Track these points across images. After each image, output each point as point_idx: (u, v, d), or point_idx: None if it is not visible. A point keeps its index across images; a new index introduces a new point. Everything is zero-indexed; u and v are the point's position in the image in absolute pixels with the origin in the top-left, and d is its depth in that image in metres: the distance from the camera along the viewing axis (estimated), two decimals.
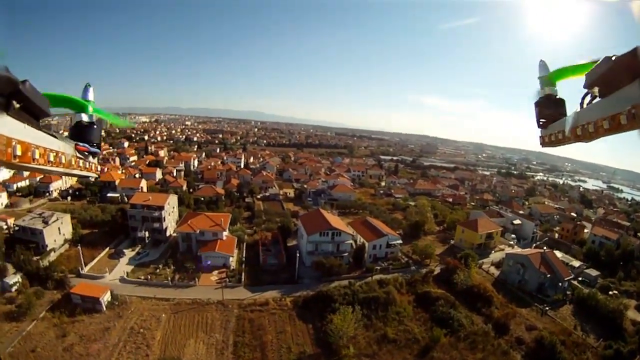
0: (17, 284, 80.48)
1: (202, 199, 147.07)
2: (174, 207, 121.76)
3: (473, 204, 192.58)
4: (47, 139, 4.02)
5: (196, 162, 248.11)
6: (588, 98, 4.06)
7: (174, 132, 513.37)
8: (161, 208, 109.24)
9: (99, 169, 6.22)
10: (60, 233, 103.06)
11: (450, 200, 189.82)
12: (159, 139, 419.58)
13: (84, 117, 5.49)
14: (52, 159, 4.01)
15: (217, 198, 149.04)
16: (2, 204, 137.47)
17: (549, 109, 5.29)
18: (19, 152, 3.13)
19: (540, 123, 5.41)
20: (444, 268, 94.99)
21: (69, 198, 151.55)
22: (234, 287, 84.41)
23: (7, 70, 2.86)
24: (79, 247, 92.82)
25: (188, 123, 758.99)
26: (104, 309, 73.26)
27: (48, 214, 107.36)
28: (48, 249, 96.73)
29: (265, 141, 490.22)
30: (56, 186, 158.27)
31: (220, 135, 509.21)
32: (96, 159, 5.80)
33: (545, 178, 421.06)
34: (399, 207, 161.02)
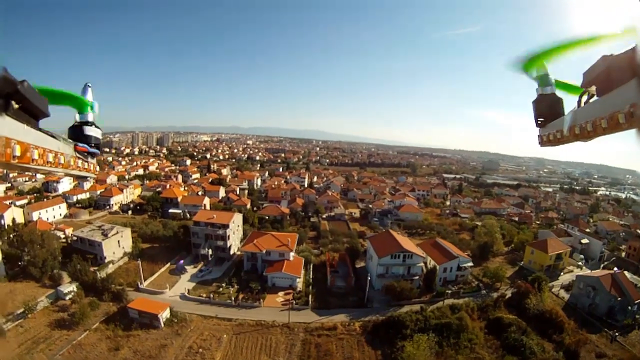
0: (72, 294, 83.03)
1: (267, 217, 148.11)
2: (238, 226, 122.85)
3: (538, 222, 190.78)
4: (46, 139, 4.08)
5: (259, 181, 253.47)
6: (585, 97, 4.20)
7: (235, 151, 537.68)
8: (226, 226, 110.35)
9: (98, 169, 6.26)
10: (119, 246, 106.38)
11: (516, 219, 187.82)
12: (221, 157, 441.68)
13: (85, 117, 5.46)
14: (51, 159, 4.07)
15: (282, 217, 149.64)
16: (61, 214, 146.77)
17: (546, 107, 5.29)
18: (18, 153, 3.23)
19: (539, 122, 5.44)
20: (515, 292, 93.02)
21: (130, 212, 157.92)
22: (301, 310, 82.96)
23: (6, 71, 3.00)
24: (139, 261, 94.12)
25: (250, 142, 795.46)
26: (162, 325, 72.83)
27: (108, 226, 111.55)
28: (106, 261, 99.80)
29: (327, 160, 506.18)
30: (117, 200, 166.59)
31: (283, 155, 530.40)
32: (95, 159, 5.82)
33: (607, 193, 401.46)
34: (466, 228, 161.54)
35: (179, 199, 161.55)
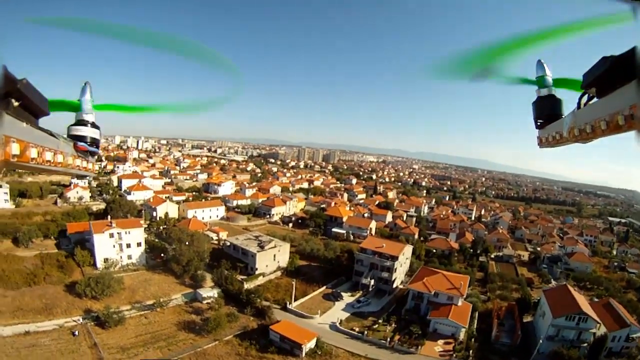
0: (211, 299, 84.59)
1: (434, 250, 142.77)
2: (407, 258, 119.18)
3: None
4: (45, 137, 4.20)
5: (426, 209, 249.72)
6: (585, 98, 4.27)
7: (401, 174, 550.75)
8: (394, 258, 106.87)
9: (97, 168, 6.53)
10: (274, 260, 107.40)
11: None
12: (387, 179, 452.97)
13: (83, 117, 5.63)
14: (49, 157, 4.17)
15: (450, 252, 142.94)
16: (217, 216, 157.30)
17: (546, 109, 5.51)
18: (16, 151, 3.30)
19: (538, 124, 5.67)
20: None
21: (291, 225, 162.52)
22: None
23: (5, 69, 3.07)
24: (294, 281, 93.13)
25: (415, 167, 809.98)
26: (303, 355, 69.66)
27: (266, 238, 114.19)
28: (257, 272, 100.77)
29: (493, 192, 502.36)
30: (278, 211, 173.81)
31: (449, 182, 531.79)
32: (95, 158, 6.04)
33: None
34: (634, 286, 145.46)
35: (344, 219, 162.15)
